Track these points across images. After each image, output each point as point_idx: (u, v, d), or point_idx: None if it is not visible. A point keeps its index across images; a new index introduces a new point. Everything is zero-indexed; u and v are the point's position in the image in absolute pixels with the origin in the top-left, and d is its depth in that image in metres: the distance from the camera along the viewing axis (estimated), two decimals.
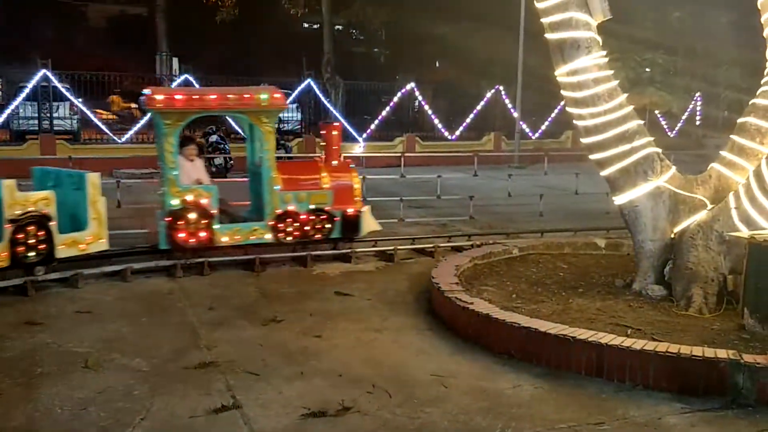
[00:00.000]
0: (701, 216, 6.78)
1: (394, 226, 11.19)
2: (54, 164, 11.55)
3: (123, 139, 21.40)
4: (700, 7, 27.10)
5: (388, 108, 25.02)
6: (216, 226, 8.47)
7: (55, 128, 20.91)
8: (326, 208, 8.98)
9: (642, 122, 7.16)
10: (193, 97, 8.56)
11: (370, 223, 9.35)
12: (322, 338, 6.20)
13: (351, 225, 9.15)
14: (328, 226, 9.01)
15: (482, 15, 26.42)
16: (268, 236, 8.75)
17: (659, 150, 7.09)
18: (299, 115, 25.61)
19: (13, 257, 7.35)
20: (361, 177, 10.19)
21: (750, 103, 6.92)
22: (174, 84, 22.78)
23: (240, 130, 16.70)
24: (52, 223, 7.56)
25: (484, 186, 16.23)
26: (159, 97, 8.24)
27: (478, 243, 9.62)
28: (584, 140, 7.23)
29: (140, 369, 5.45)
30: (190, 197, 8.37)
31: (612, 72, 7.09)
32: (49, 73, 20.25)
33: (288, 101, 22.13)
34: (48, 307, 6.98)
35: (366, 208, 9.32)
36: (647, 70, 27.25)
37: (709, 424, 4.61)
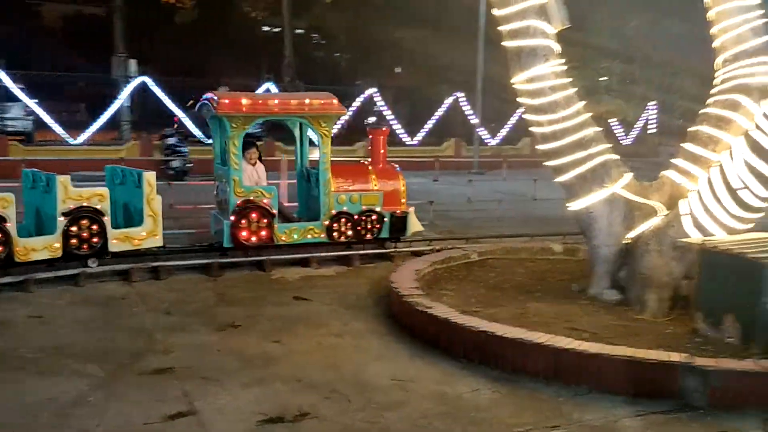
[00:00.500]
0: (655, 222, 6.92)
1: None
2: (5, 167, 11.25)
3: (77, 141, 20.96)
4: (656, 17, 27.73)
5: (349, 112, 25.01)
6: (276, 226, 8.91)
7: (8, 129, 20.40)
8: (377, 209, 9.47)
9: (599, 129, 7.28)
10: (258, 102, 9.07)
11: (415, 224, 9.87)
12: (280, 343, 6.15)
13: (399, 225, 9.70)
14: (378, 226, 9.52)
15: (442, 21, 26.67)
16: (323, 236, 9.22)
17: (616, 157, 7.22)
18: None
19: (66, 249, 7.83)
20: None
21: (701, 112, 7.09)
22: (129, 86, 22.39)
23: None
24: (105, 218, 8.02)
25: (444, 191, 16.31)
26: (226, 101, 8.73)
27: (437, 248, 9.67)
28: (541, 147, 7.33)
29: (94, 375, 5.34)
30: (253, 197, 8.82)
31: (569, 80, 7.20)
32: (2, 73, 19.75)
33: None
34: None
35: (411, 209, 9.81)
36: (604, 78, 27.77)
37: (662, 427, 4.70)
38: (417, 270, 7.78)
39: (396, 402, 4.97)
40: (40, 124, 21.47)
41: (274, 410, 4.76)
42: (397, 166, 10.13)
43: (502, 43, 7.26)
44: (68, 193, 7.82)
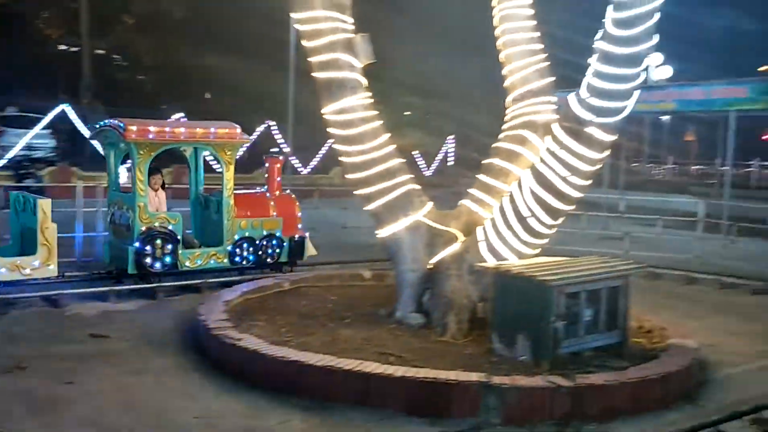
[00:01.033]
0: (455, 248, 7.32)
1: None
2: None
3: None
4: (456, 55, 29.62)
5: None
6: (181, 252, 9.13)
7: None
8: (277, 234, 9.95)
9: (403, 160, 7.59)
10: (165, 130, 9.24)
11: (310, 248, 10.42)
12: (74, 384, 5.69)
13: (298, 249, 10.24)
14: (278, 251, 9.98)
15: (254, 50, 26.55)
16: (226, 260, 9.53)
17: (418, 187, 7.56)
18: (53, 142, 23.59)
19: None
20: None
21: (494, 146, 7.64)
22: None
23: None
24: None
25: None
26: (134, 128, 8.86)
27: (248, 277, 9.51)
28: (351, 176, 7.50)
29: None
30: (158, 224, 8.99)
31: (377, 112, 7.45)
32: None
33: (39, 127, 20.46)
34: None
35: (307, 234, 10.34)
36: (407, 113, 29.14)
37: None
38: (226, 301, 7.59)
39: None
40: None
41: None
42: (292, 193, 10.82)
43: (312, 74, 7.37)
44: None
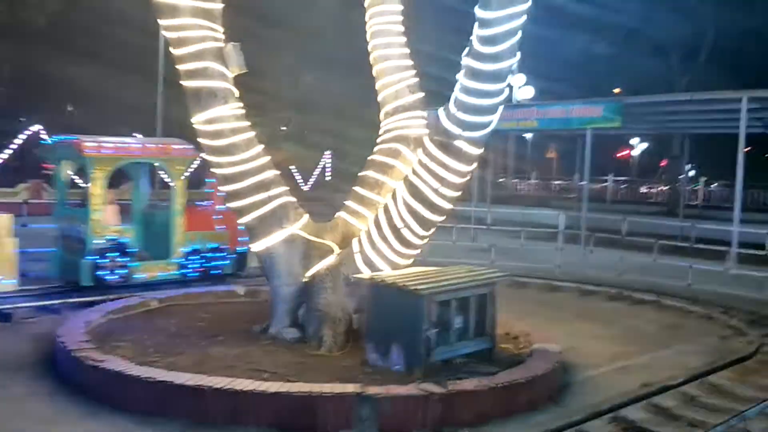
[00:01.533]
0: (330, 260, 7.30)
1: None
2: None
3: None
4: (332, 69, 29.70)
5: (9, 151, 22.62)
6: (133, 264, 9.60)
7: None
8: (224, 247, 10.50)
9: (278, 172, 7.49)
10: (121, 146, 9.76)
11: (251, 260, 10.66)
12: None
13: (241, 261, 10.88)
14: (224, 263, 10.52)
15: (120, 60, 25.45)
16: (176, 272, 9.90)
17: (293, 199, 7.49)
18: None
19: None
20: None
21: (369, 158, 7.71)
22: None
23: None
24: None
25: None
26: (92, 144, 9.34)
27: (112, 297, 9.04)
28: (223, 188, 7.34)
29: None
30: (113, 237, 9.45)
31: (249, 123, 7.31)
32: None
33: None
34: None
35: (249, 246, 10.21)
36: (284, 128, 28.92)
37: None
38: (88, 321, 7.19)
39: None
40: None
41: None
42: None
43: (180, 82, 7.15)
44: None
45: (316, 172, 33.88)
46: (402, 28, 7.74)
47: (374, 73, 7.80)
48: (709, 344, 8.68)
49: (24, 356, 6.87)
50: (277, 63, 26.05)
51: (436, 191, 6.89)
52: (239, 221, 7.40)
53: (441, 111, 6.94)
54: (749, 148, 19.21)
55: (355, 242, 7.22)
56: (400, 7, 7.72)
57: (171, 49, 7.14)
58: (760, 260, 13.36)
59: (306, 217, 7.50)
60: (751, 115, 15.46)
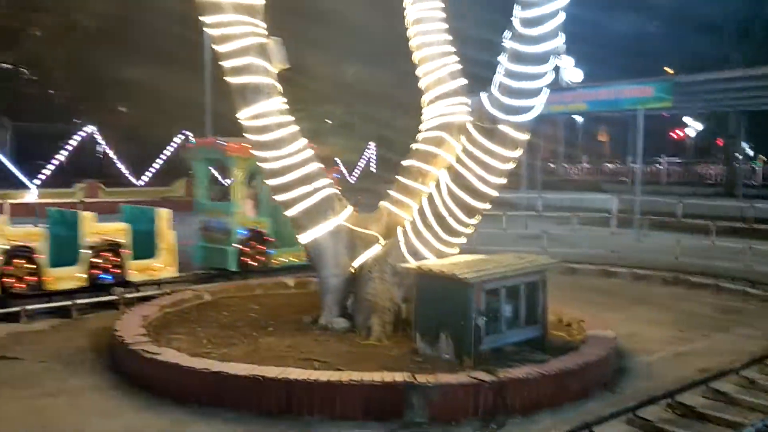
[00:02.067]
0: (376, 250, 7.31)
1: None
2: None
3: None
4: (374, 59, 29.66)
5: (65, 153, 23.29)
6: (270, 251, 10.93)
7: None
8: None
9: (322, 165, 7.53)
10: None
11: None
12: None
13: None
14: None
15: (170, 59, 25.87)
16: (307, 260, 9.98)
17: (338, 191, 7.52)
18: None
19: (90, 279, 8.94)
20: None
21: (412, 147, 7.68)
22: None
23: None
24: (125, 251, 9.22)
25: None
26: (234, 146, 10.51)
27: (168, 291, 9.24)
28: (269, 182, 7.40)
29: None
30: (253, 227, 10.81)
31: (293, 118, 7.36)
32: None
33: None
34: None
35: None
36: (328, 121, 29.08)
37: None
38: (145, 316, 7.35)
39: None
40: None
41: None
42: None
43: (224, 78, 7.25)
44: (92, 228, 8.96)
45: (361, 164, 33.99)
46: (443, 15, 7.67)
47: (416, 60, 7.76)
48: None
49: (82, 351, 7.07)
50: (318, 56, 26.13)
51: (480, 178, 6.82)
52: (287, 213, 7.45)
53: (484, 95, 6.86)
54: None
55: (399, 232, 7.21)
56: None
57: (214, 46, 7.22)
58: None
59: (350, 208, 7.52)
60: None
